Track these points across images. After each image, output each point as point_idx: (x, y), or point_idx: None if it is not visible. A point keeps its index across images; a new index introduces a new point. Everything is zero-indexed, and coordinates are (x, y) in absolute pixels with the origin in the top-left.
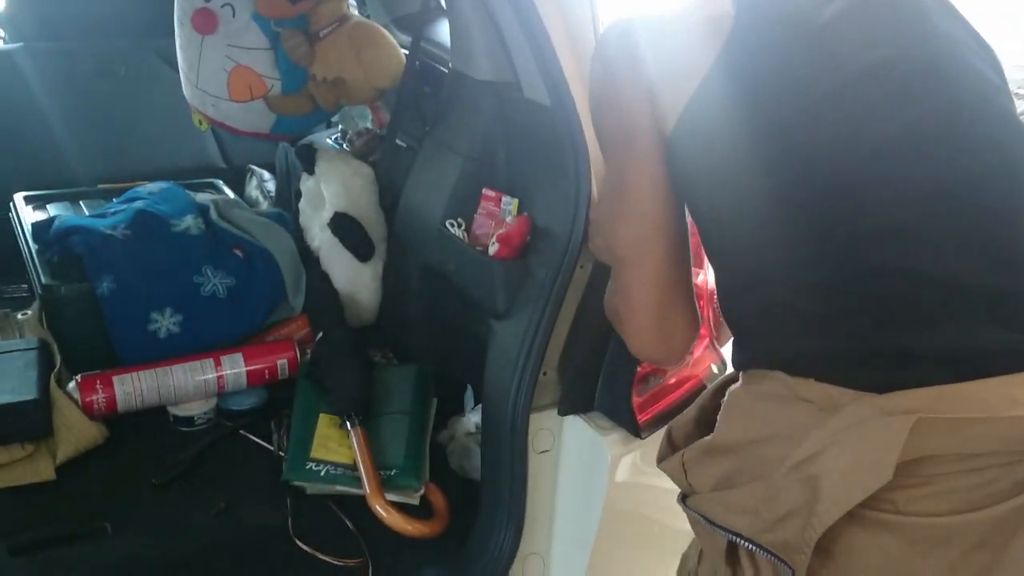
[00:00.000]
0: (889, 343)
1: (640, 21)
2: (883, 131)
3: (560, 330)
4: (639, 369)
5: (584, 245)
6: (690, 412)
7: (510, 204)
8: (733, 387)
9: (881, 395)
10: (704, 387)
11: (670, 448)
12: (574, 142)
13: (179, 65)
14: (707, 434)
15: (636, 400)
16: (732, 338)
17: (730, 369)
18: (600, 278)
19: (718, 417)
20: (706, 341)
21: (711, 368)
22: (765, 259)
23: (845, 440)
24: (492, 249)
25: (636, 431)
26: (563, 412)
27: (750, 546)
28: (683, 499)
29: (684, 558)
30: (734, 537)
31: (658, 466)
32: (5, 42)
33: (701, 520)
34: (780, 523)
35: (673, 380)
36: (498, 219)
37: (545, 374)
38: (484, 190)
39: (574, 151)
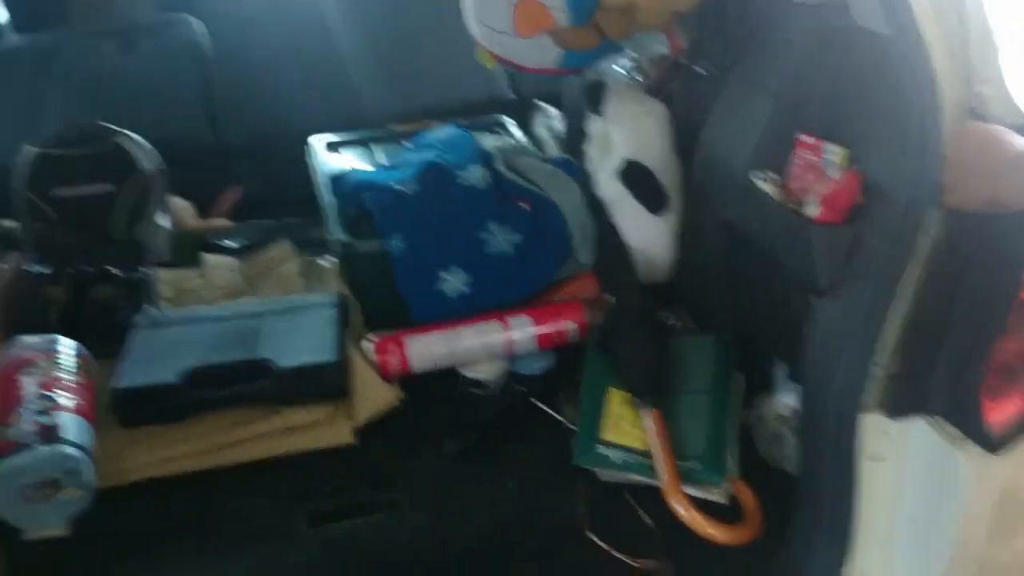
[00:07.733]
0: None
1: None
2: None
3: (896, 314)
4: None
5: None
6: None
7: (834, 155)
8: None
9: None
10: None
11: None
12: (918, 80)
13: None
14: None
15: (986, 402)
16: None
17: None
18: (953, 247)
19: None
20: None
21: None
22: None
23: None
24: (811, 211)
25: (986, 441)
26: (894, 414)
27: None
28: None
29: None
30: None
31: None
32: None
33: None
34: None
35: None
36: (818, 172)
37: (876, 365)
38: (801, 136)
39: (919, 92)
